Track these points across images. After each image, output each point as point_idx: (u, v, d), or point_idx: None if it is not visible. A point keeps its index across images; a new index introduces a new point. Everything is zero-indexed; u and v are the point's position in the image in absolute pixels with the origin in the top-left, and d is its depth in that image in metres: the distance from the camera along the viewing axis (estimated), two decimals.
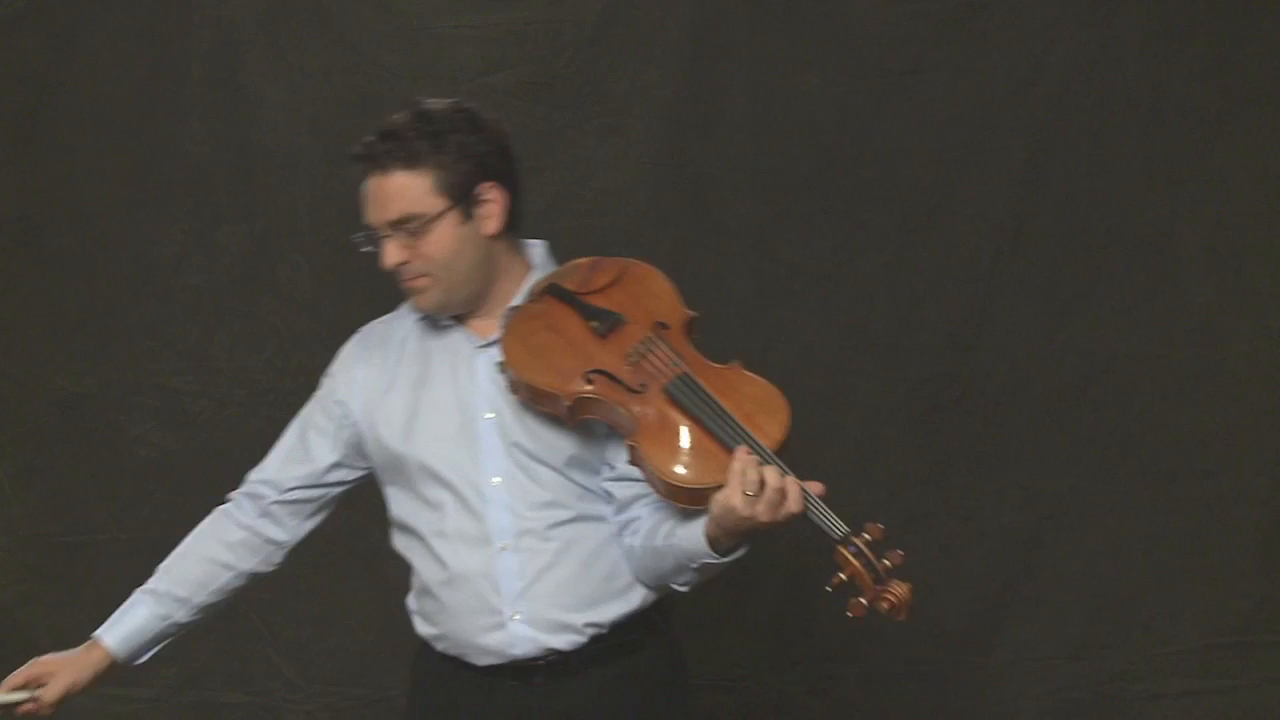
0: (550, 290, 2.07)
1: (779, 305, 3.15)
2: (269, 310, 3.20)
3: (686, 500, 1.91)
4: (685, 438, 1.91)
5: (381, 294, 3.23)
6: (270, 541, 2.20)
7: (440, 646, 2.11)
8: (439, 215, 2.00)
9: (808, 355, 3.17)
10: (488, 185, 2.03)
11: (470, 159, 2.01)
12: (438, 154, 2.00)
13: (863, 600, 1.83)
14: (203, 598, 2.19)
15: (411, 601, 2.17)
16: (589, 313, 2.03)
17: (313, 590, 3.26)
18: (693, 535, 1.92)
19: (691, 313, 2.05)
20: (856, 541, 1.84)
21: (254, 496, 2.20)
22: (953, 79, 3.13)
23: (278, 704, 3.29)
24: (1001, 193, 3.17)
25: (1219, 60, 3.14)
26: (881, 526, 1.85)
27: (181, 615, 2.18)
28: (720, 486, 1.85)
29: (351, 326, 3.40)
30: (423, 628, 2.14)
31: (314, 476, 2.18)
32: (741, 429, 1.89)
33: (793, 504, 1.84)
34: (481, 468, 2.04)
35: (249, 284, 3.20)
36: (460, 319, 2.11)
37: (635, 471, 1.99)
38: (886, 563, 1.83)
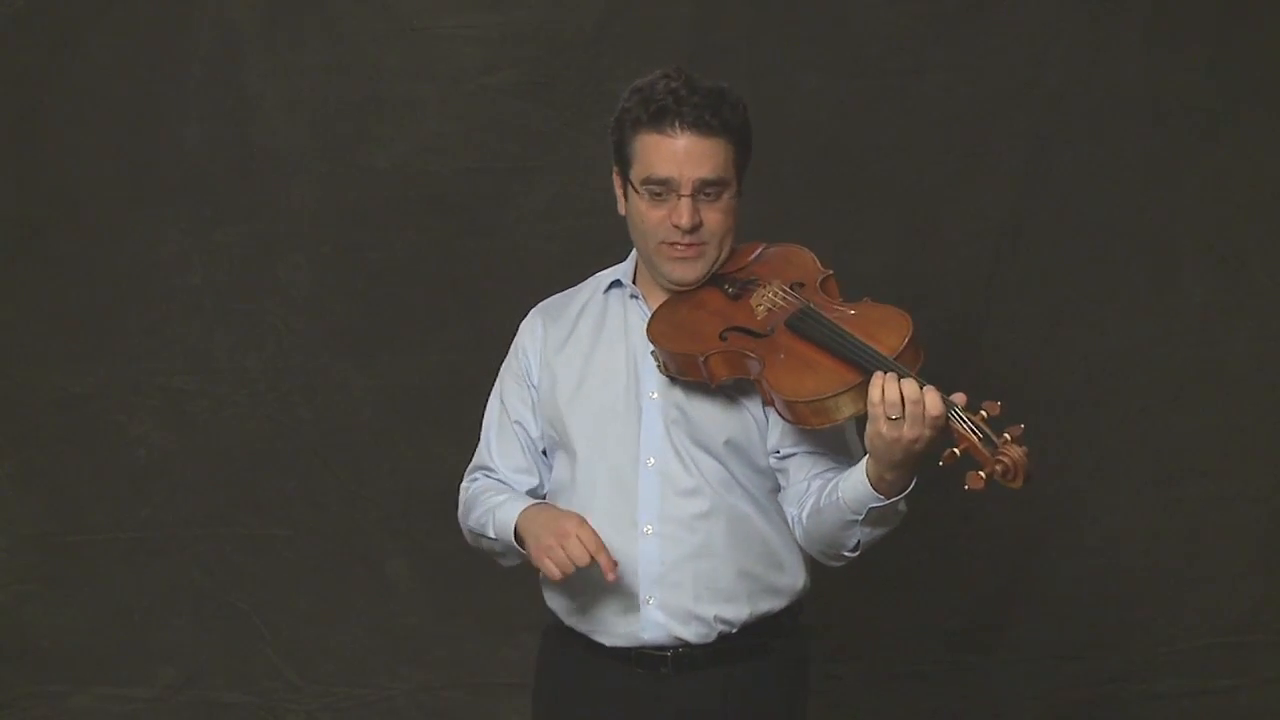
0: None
1: None
2: (269, 310, 3.20)
3: (812, 417, 1.90)
4: (807, 360, 1.93)
5: (382, 294, 3.25)
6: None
7: (570, 621, 2.12)
8: (733, 188, 2.04)
9: None
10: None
11: (750, 145, 2.06)
12: (742, 130, 2.03)
13: (980, 473, 1.80)
14: None
15: None
16: (723, 280, 2.09)
17: (313, 590, 3.26)
18: (855, 482, 1.91)
19: (828, 270, 2.09)
20: (968, 415, 1.81)
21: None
22: (953, 79, 3.13)
23: (278, 704, 3.28)
24: (1001, 193, 3.17)
25: (1219, 60, 3.14)
26: (999, 404, 1.82)
27: None
28: (840, 394, 1.86)
29: (352, 326, 3.39)
30: (555, 601, 2.14)
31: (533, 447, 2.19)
32: (858, 341, 1.90)
33: (932, 408, 1.81)
34: (640, 445, 2.06)
35: (249, 284, 3.20)
36: (647, 293, 2.13)
37: (797, 444, 2.02)
38: (1007, 436, 1.80)
